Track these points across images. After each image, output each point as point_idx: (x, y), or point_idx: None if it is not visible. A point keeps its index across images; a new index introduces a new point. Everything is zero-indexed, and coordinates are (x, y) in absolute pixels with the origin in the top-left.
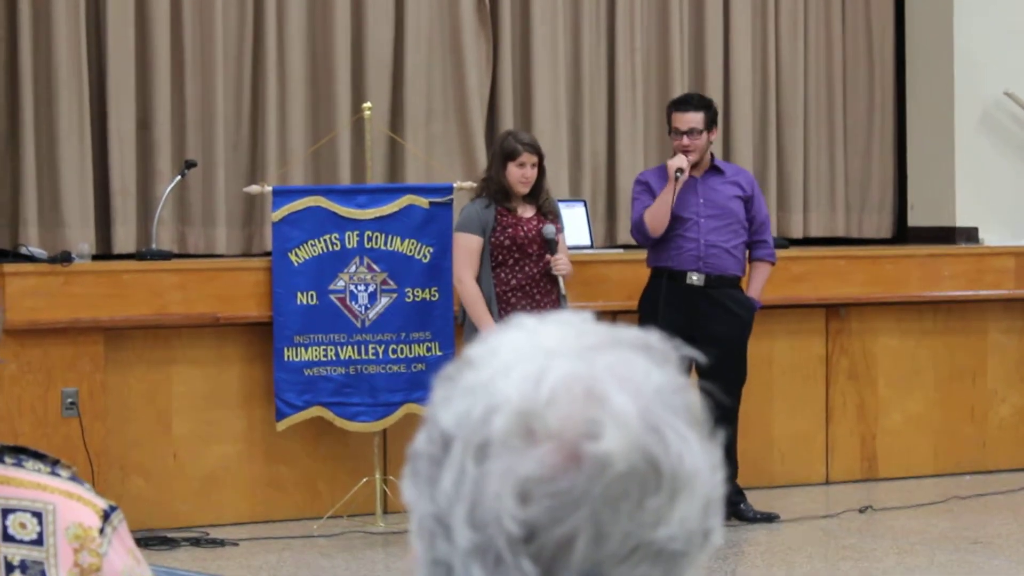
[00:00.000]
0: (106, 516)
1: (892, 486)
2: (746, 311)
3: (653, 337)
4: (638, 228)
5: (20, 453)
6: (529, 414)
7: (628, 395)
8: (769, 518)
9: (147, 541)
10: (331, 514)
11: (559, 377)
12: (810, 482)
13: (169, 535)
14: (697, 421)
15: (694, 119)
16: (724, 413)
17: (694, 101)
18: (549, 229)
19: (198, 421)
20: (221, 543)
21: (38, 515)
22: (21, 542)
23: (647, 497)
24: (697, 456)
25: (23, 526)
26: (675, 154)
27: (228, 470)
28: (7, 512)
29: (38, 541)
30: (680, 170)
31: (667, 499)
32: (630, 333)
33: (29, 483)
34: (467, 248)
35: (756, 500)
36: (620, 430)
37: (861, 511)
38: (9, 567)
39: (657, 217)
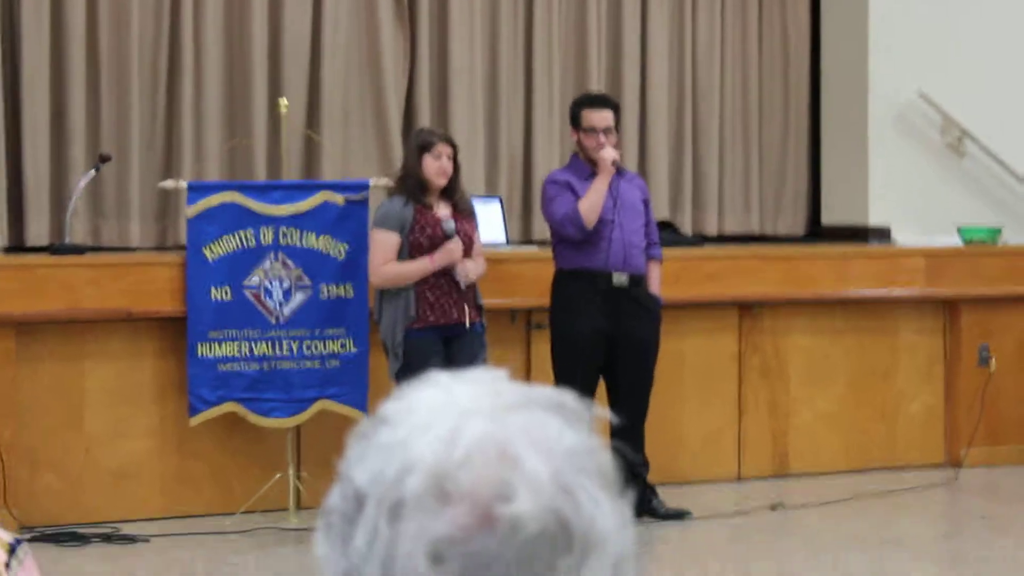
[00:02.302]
0: (12, 550)
1: (803, 483)
2: (657, 309)
3: (567, 396)
4: (571, 221)
5: None
6: (443, 475)
7: (541, 457)
8: (681, 515)
9: (58, 537)
10: (244, 510)
11: (473, 438)
12: (722, 479)
13: (80, 530)
14: (608, 481)
15: (609, 117)
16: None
17: (607, 100)
18: (450, 224)
19: (110, 416)
20: (132, 539)
21: None
22: None
23: (558, 558)
24: (607, 517)
25: None
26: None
27: (140, 465)
28: None
29: None
30: (615, 161)
31: (578, 560)
32: (544, 393)
33: None
34: (384, 244)
35: (668, 497)
36: (532, 492)
37: (772, 508)
38: None
39: (594, 209)
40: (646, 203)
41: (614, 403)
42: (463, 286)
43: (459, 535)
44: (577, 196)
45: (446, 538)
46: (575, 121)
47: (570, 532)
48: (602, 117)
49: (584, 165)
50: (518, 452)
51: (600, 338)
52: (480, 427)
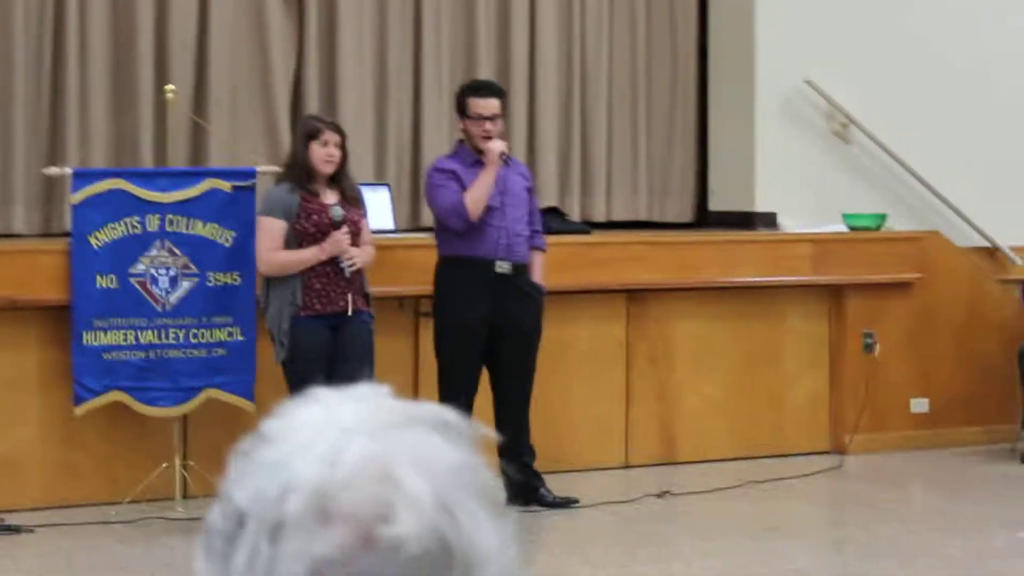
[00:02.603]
0: None
1: (690, 470)
2: (540, 297)
3: (449, 414)
4: (455, 213)
5: None
6: (324, 495)
7: (422, 476)
8: (568, 503)
9: None
10: (130, 500)
11: (355, 458)
12: (609, 466)
13: None
14: (490, 500)
15: (496, 105)
16: (524, 401)
17: (494, 88)
18: (337, 211)
19: None
20: (17, 529)
21: None
22: None
23: None
24: (489, 536)
25: None
26: (470, 138)
27: (24, 455)
28: None
29: None
30: (503, 154)
31: None
32: (427, 410)
33: None
34: (270, 232)
35: (555, 485)
36: (413, 512)
37: (659, 496)
38: None
39: (479, 201)
40: (530, 191)
41: (497, 390)
42: (348, 274)
43: (340, 556)
44: (462, 185)
45: (327, 559)
46: (461, 109)
47: (451, 552)
48: (488, 105)
49: (470, 153)
50: (400, 472)
51: (483, 325)
52: (362, 446)
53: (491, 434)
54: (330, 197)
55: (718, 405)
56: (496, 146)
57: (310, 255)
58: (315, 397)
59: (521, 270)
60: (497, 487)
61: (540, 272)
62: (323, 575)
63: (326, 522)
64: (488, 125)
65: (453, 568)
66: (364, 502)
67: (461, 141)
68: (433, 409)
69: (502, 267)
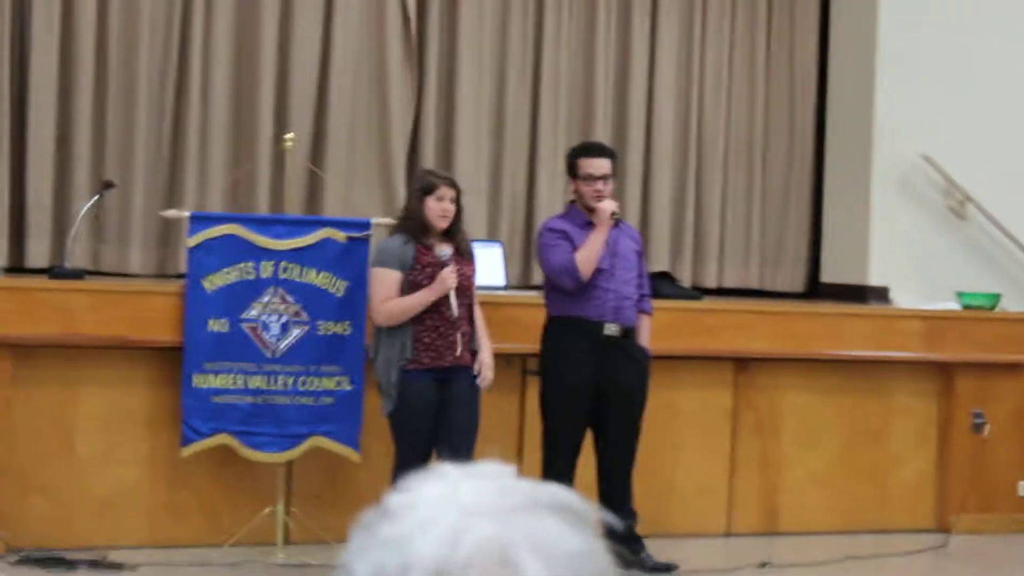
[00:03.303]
0: None
1: (791, 541)
2: (647, 361)
3: (571, 497)
4: (567, 272)
5: None
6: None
7: (541, 562)
8: (667, 568)
9: (44, 561)
10: (232, 543)
11: (475, 540)
12: (710, 533)
13: (67, 555)
14: None
15: (607, 165)
16: (628, 465)
17: (604, 149)
18: (444, 252)
19: (102, 442)
20: (119, 567)
21: None
22: None
23: None
24: None
25: None
26: (580, 197)
27: (130, 493)
28: None
29: None
30: (615, 213)
31: None
32: (549, 493)
33: None
34: (385, 282)
35: (656, 549)
36: None
37: (761, 566)
38: None
39: (591, 260)
40: (639, 254)
41: (601, 452)
42: (455, 315)
43: None
44: (574, 245)
45: None
46: (572, 170)
47: None
48: (599, 165)
49: (580, 214)
50: (519, 557)
51: (589, 387)
52: (483, 529)
53: (612, 519)
54: (444, 251)
55: (822, 477)
56: (607, 206)
57: (420, 298)
58: (438, 473)
59: (628, 333)
60: (614, 574)
61: (647, 336)
62: None
63: None
64: (599, 185)
65: None
66: None
67: (572, 202)
68: (556, 492)
69: (610, 329)
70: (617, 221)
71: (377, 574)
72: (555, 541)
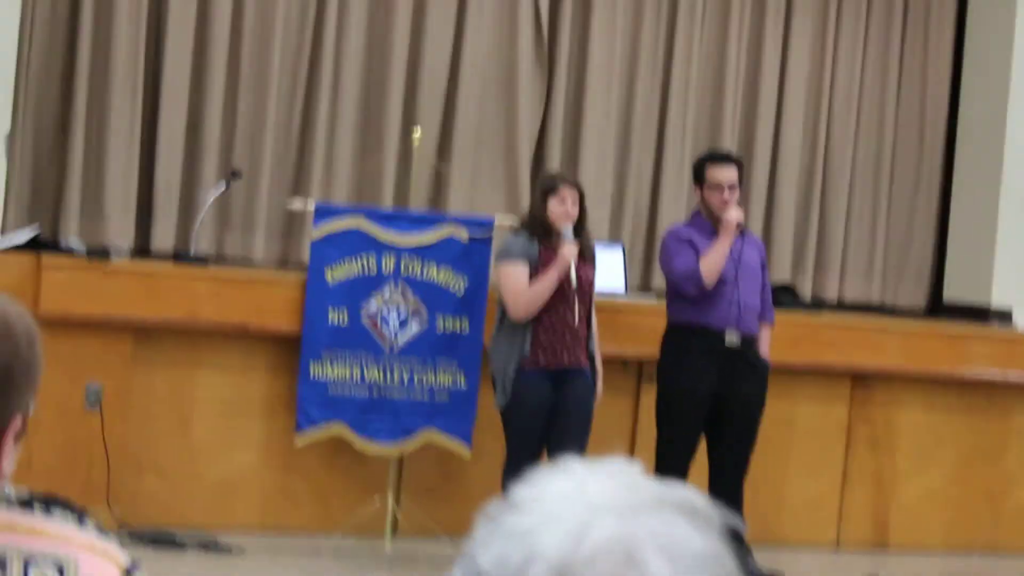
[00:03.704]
0: (128, 573)
1: (901, 559)
2: (766, 371)
3: (699, 499)
4: (691, 278)
5: (49, 502)
6: (567, 570)
7: (666, 561)
8: None
9: (155, 540)
10: (342, 532)
11: (601, 537)
12: (820, 546)
13: (178, 536)
14: None
15: (734, 174)
16: (741, 474)
17: (732, 157)
18: (568, 229)
19: (218, 427)
20: (229, 550)
21: (60, 568)
22: None
23: None
24: None
25: None
26: (707, 205)
27: (243, 477)
28: (30, 563)
29: None
30: (740, 224)
31: None
32: (677, 493)
33: (55, 535)
34: (517, 275)
35: (763, 559)
36: None
37: None
38: None
39: (715, 267)
40: (763, 265)
41: (715, 460)
42: (575, 285)
43: None
44: (698, 253)
45: None
46: (699, 177)
47: None
48: (727, 173)
49: (706, 222)
50: (644, 555)
51: (708, 396)
52: (609, 526)
53: (739, 524)
54: (568, 229)
55: (936, 496)
56: (734, 215)
57: (550, 278)
58: (565, 468)
59: (749, 342)
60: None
61: (767, 346)
62: None
63: None
64: (726, 194)
65: None
66: None
67: (697, 211)
68: (683, 493)
69: (732, 338)
70: (742, 231)
71: (500, 565)
72: (681, 541)
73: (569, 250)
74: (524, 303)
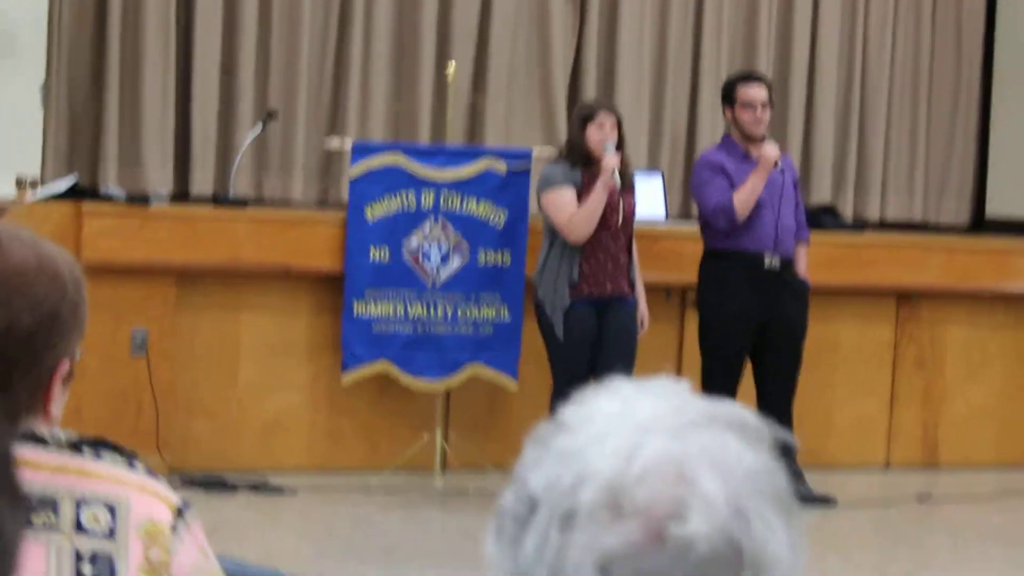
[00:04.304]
0: (179, 512)
1: (952, 476)
2: (806, 292)
3: (748, 415)
4: (723, 213)
5: (98, 445)
6: (618, 489)
7: (718, 478)
8: (826, 500)
9: (207, 484)
10: (391, 469)
11: (651, 455)
12: (870, 467)
13: (228, 478)
14: (783, 505)
15: (766, 93)
16: (788, 397)
17: (762, 77)
18: (608, 146)
19: (264, 368)
20: (280, 490)
21: (112, 508)
22: (93, 534)
23: None
24: (781, 542)
25: (96, 519)
26: (739, 125)
27: (291, 418)
28: (81, 504)
29: (110, 534)
30: (777, 163)
31: None
32: (726, 410)
33: (105, 476)
34: (565, 200)
35: (814, 482)
36: (706, 513)
37: (920, 500)
38: (79, 558)
39: (748, 204)
40: (795, 184)
41: (761, 384)
42: (618, 183)
43: (629, 551)
44: (730, 179)
45: (616, 553)
46: (729, 98)
47: (741, 555)
48: (758, 91)
49: (737, 146)
50: (695, 472)
51: (750, 320)
52: (659, 445)
53: (789, 438)
54: (609, 145)
55: (985, 412)
56: (771, 152)
57: (596, 197)
58: (613, 388)
59: (788, 265)
60: (791, 492)
61: (804, 266)
62: (611, 569)
63: (617, 516)
64: (759, 112)
65: (743, 572)
66: (657, 499)
67: (728, 134)
68: (732, 410)
69: (770, 261)
70: (779, 166)
71: (551, 486)
72: (732, 457)
73: (610, 160)
74: (578, 223)
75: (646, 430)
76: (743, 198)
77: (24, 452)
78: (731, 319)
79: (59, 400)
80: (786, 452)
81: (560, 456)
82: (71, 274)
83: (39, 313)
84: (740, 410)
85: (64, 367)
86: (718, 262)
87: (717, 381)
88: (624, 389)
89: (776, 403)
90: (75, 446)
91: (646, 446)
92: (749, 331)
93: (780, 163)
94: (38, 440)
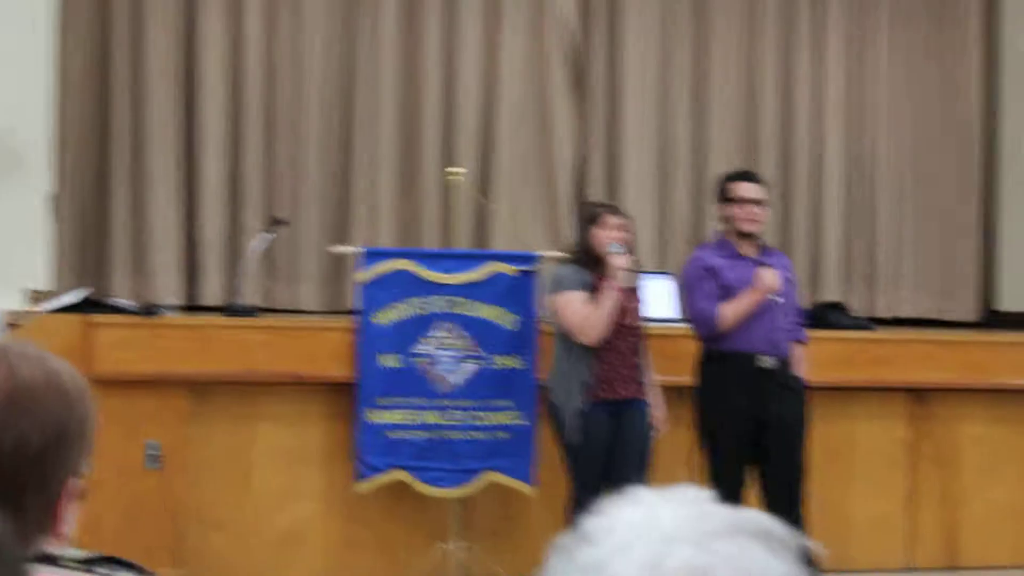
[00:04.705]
0: None
1: None
2: (803, 390)
3: (773, 523)
4: (704, 323)
5: (113, 564)
6: None
7: None
8: None
9: None
10: None
11: (677, 566)
12: (889, 569)
13: None
14: None
15: (757, 191)
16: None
17: (756, 175)
18: (613, 245)
19: (278, 478)
20: None
21: None
22: None
23: None
24: None
25: None
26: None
27: (307, 528)
28: None
29: None
30: (776, 292)
31: None
32: (749, 519)
33: None
34: (575, 303)
35: None
36: None
37: None
38: None
39: (733, 322)
40: (791, 282)
41: (766, 487)
42: (623, 283)
43: None
44: (719, 277)
45: None
46: (723, 195)
47: None
48: (755, 189)
49: (731, 244)
50: None
51: (747, 420)
52: (684, 554)
53: (816, 546)
54: (616, 245)
55: (1006, 511)
56: (770, 279)
57: (608, 296)
58: (635, 497)
59: (784, 364)
60: None
61: (803, 367)
62: None
63: None
64: (756, 209)
65: None
66: None
67: (722, 232)
68: (756, 518)
69: (767, 362)
70: (765, 249)
71: None
72: (757, 567)
73: (616, 260)
74: (592, 324)
75: (671, 540)
76: (729, 315)
77: (37, 573)
78: (727, 419)
79: (70, 518)
80: (809, 560)
81: (584, 568)
82: (77, 389)
83: (48, 432)
84: (764, 518)
85: (72, 483)
86: (711, 363)
87: (721, 485)
88: (646, 498)
89: (782, 505)
90: (88, 566)
91: (671, 557)
92: (747, 432)
93: (777, 295)
94: (51, 560)
